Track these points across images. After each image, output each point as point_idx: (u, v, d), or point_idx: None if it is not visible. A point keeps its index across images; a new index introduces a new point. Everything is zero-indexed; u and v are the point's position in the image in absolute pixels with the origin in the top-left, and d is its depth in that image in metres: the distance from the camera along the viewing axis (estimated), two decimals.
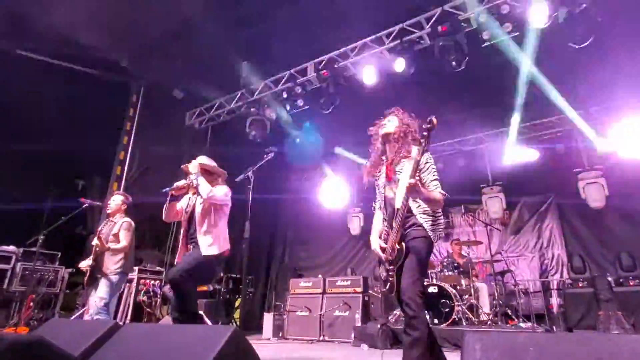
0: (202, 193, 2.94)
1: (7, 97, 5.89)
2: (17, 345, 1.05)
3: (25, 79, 6.17)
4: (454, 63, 4.45)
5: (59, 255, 5.84)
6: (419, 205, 2.32)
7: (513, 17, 4.14)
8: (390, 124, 2.51)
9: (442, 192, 2.32)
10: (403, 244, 2.28)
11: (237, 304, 7.96)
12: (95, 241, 3.97)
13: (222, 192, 3.10)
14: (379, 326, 4.92)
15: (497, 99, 6.46)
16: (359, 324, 5.57)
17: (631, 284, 5.50)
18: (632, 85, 5.63)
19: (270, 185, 9.86)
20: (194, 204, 3.15)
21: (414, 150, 2.34)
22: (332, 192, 8.45)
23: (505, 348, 1.05)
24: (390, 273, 2.34)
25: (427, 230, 2.28)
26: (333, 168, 8.28)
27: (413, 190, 2.13)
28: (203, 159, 3.31)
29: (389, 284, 2.34)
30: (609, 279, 5.54)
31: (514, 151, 6.97)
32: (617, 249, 6.01)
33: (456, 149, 7.88)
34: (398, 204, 2.27)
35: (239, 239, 8.44)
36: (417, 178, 2.17)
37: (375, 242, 2.46)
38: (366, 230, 8.55)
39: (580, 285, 5.80)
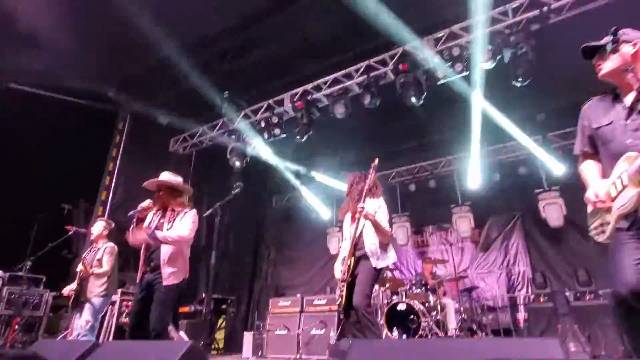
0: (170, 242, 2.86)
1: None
2: (17, 359, 1.36)
3: (17, 110, 6.49)
4: (413, 98, 4.90)
5: (44, 279, 6.03)
6: (373, 243, 3.03)
7: (463, 58, 4.64)
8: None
9: (390, 229, 3.10)
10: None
11: (220, 323, 8.17)
12: (79, 267, 4.24)
13: (188, 227, 3.00)
14: (350, 342, 5.21)
15: (463, 125, 6.97)
16: (333, 341, 5.84)
17: (587, 298, 5.91)
18: None
19: (254, 206, 10.23)
20: (160, 224, 3.02)
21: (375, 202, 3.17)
22: (311, 213, 8.80)
23: (373, 353, 1.40)
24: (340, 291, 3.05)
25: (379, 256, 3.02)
26: (312, 190, 8.66)
27: (366, 215, 2.94)
28: (166, 175, 3.28)
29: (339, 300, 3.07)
30: (567, 293, 5.95)
31: (479, 173, 7.44)
32: (576, 265, 6.44)
33: (428, 171, 8.34)
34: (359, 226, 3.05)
35: (222, 259, 8.72)
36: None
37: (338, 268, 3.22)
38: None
39: (541, 300, 6.19)
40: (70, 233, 4.49)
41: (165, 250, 2.88)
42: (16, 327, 5.04)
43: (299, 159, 7.56)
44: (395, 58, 5.25)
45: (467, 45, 4.75)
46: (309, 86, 6.09)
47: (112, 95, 7.78)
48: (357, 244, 3.05)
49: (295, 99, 6.08)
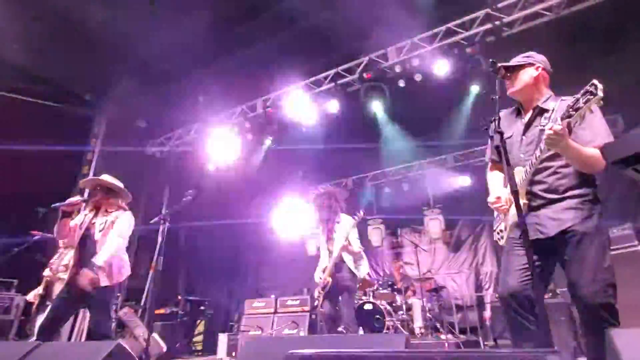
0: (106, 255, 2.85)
1: None
2: None
3: None
4: (377, 105, 5.08)
5: (16, 283, 6.06)
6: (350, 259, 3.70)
7: (421, 69, 4.84)
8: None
9: (360, 246, 3.78)
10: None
11: (200, 325, 8.27)
12: (46, 272, 4.32)
13: (124, 228, 3.06)
14: None
15: (435, 131, 7.20)
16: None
17: (545, 296, 6.16)
18: None
19: (233, 210, 10.33)
20: (91, 224, 3.05)
21: (344, 218, 3.81)
22: (286, 218, 8.96)
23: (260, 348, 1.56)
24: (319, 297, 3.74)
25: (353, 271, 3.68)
26: (289, 195, 8.82)
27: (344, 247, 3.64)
28: (105, 176, 3.33)
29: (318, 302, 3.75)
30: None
31: (450, 177, 7.68)
32: None
33: (402, 174, 8.55)
34: (335, 254, 3.65)
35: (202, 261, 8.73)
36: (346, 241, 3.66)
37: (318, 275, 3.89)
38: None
39: None
40: (36, 238, 4.54)
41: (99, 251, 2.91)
42: None
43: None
44: (361, 67, 5.42)
45: (427, 55, 4.94)
46: (280, 92, 6.23)
47: (88, 98, 7.84)
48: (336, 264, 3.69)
49: (267, 105, 6.21)
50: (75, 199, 3.04)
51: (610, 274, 1.70)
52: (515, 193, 1.70)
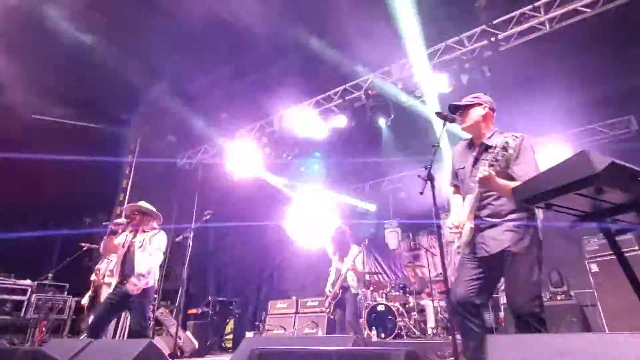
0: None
1: (24, 153, 7.08)
2: (26, 353, 2.03)
3: (40, 136, 7.38)
4: (381, 119, 5.44)
5: (68, 286, 6.87)
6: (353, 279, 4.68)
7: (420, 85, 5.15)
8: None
9: (363, 269, 4.90)
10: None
11: (230, 324, 8.90)
12: (93, 276, 5.00)
13: (162, 245, 3.63)
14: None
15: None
16: None
17: (558, 298, 6.27)
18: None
19: (262, 214, 10.95)
20: (131, 242, 3.56)
21: (353, 247, 4.91)
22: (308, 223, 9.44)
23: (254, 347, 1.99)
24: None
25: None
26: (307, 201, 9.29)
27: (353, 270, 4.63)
28: (143, 203, 3.86)
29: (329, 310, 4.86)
30: None
31: None
32: (550, 267, 6.78)
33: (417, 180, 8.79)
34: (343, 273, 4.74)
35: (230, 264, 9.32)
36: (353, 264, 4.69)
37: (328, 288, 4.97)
38: None
39: (558, 298, 6.56)
40: (84, 249, 5.23)
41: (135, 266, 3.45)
42: (43, 329, 5.86)
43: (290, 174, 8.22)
44: (367, 84, 5.78)
45: (427, 71, 5.24)
46: (295, 107, 6.69)
47: (124, 117, 8.65)
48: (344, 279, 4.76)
49: (282, 120, 6.69)
50: (120, 220, 3.68)
51: (537, 287, 2.01)
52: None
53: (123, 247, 3.57)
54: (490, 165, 1.99)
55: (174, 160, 8.79)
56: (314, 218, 9.25)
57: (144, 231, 3.70)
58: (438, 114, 2.32)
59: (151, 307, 3.84)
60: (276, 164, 7.71)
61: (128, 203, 8.12)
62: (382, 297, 6.38)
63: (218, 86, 7.55)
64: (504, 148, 1.96)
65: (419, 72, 5.27)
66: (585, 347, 1.15)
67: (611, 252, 4.62)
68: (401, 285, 6.42)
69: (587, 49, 5.99)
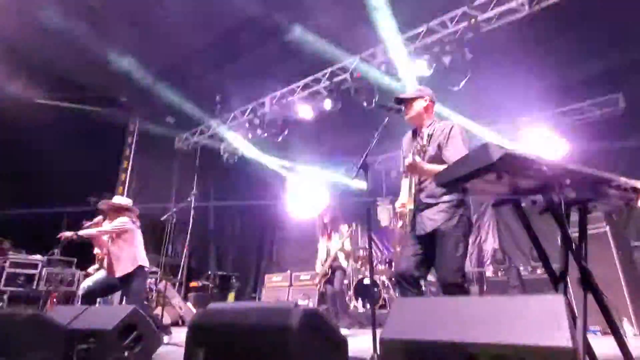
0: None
1: (30, 136, 7.41)
2: (27, 318, 2.37)
3: (44, 120, 7.68)
4: (365, 102, 5.62)
5: (75, 261, 7.33)
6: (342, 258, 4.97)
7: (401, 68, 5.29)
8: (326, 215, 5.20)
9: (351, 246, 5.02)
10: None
11: (230, 296, 9.39)
12: (96, 250, 5.39)
13: (111, 225, 3.93)
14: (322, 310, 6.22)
15: None
16: None
17: (538, 272, 6.56)
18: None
19: (259, 192, 11.30)
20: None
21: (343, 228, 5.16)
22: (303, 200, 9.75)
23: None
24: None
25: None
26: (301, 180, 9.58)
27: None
28: (117, 198, 4.24)
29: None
30: (520, 268, 6.64)
31: None
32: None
33: None
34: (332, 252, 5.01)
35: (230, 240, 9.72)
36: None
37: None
38: None
39: (498, 274, 6.90)
40: (86, 225, 5.58)
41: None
42: (54, 300, 6.34)
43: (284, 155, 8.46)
44: (353, 66, 5.93)
45: (408, 54, 5.37)
46: (284, 90, 6.86)
47: (124, 100, 8.88)
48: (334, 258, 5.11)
49: (274, 102, 6.88)
50: (96, 219, 4.19)
51: (461, 261, 2.28)
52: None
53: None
54: (416, 153, 2.22)
55: (172, 142, 9.05)
56: (308, 197, 9.55)
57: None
58: (382, 106, 2.53)
59: (147, 282, 4.25)
60: (270, 144, 7.94)
61: (129, 183, 8.50)
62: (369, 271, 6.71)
63: (211, 69, 7.72)
64: (430, 136, 2.20)
65: (400, 55, 5.39)
66: (463, 308, 1.42)
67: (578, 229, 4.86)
68: (387, 260, 6.75)
69: (573, 27, 6.02)
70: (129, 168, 8.38)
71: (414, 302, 1.65)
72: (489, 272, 7.69)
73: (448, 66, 5.24)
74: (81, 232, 3.95)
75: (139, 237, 4.09)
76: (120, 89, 8.57)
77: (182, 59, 7.89)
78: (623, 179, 1.98)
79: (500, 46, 5.36)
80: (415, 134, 2.64)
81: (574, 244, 1.94)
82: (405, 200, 2.55)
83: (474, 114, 6.88)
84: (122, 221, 3.93)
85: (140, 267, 3.84)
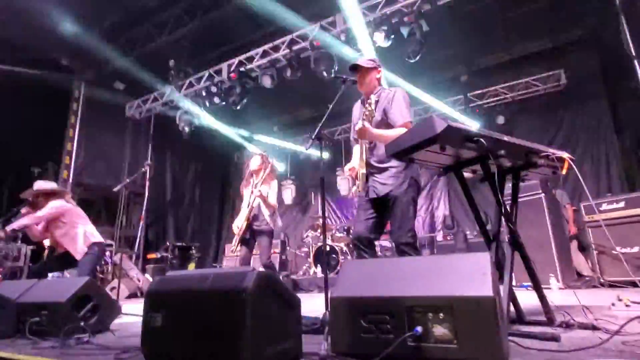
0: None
1: None
2: None
3: None
4: (324, 72, 5.61)
5: (21, 235, 6.95)
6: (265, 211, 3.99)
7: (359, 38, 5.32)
8: (254, 162, 4.12)
9: (276, 203, 4.06)
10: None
11: (190, 267, 9.35)
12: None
13: (44, 211, 3.68)
14: (282, 277, 6.40)
15: None
16: None
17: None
18: None
19: (217, 162, 11.11)
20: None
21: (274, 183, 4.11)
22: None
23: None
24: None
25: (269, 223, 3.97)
26: (262, 146, 9.49)
27: (260, 195, 3.93)
28: (39, 184, 3.91)
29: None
30: (467, 233, 7.15)
31: None
32: (481, 209, 7.57)
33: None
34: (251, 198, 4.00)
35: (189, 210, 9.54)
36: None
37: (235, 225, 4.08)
38: (297, 201, 9.97)
39: (448, 238, 7.40)
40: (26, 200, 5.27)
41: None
42: (0, 276, 6.04)
43: (241, 123, 8.31)
44: (313, 34, 5.85)
45: (370, 23, 5.38)
46: (242, 57, 6.67)
47: (66, 63, 8.23)
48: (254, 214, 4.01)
49: (231, 70, 6.69)
50: (24, 210, 3.85)
51: (411, 223, 2.46)
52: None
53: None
54: (364, 119, 2.33)
55: (123, 110, 8.58)
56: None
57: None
58: (337, 77, 2.59)
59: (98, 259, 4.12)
60: (227, 112, 7.77)
61: (76, 152, 8.03)
62: (328, 239, 6.96)
63: (163, 32, 7.30)
64: (376, 102, 2.31)
65: (360, 25, 5.39)
66: (404, 267, 1.56)
67: (524, 195, 5.24)
68: (345, 227, 6.99)
69: (521, 4, 6.28)
70: (75, 137, 7.89)
71: (361, 263, 1.78)
72: (439, 237, 8.20)
73: (406, 37, 5.31)
74: (12, 226, 3.67)
75: (81, 214, 3.90)
76: (61, 51, 7.92)
77: (130, 19, 7.38)
78: (551, 150, 2.20)
79: (452, 20, 5.50)
80: (363, 102, 2.73)
81: (506, 208, 2.15)
82: (356, 164, 2.66)
83: (427, 86, 7.08)
84: (54, 205, 3.69)
85: (96, 244, 3.74)
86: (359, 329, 1.42)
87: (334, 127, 9.40)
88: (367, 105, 2.35)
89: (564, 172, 2.16)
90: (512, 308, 2.13)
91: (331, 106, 2.50)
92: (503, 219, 2.16)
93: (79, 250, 3.68)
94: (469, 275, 1.35)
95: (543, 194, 4.79)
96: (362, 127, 2.33)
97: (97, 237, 3.82)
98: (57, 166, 8.32)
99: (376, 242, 2.72)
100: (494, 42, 6.89)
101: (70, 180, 7.66)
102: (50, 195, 3.79)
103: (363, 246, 2.56)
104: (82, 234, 3.72)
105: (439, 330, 1.31)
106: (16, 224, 3.67)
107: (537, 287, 2.09)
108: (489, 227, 2.60)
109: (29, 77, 7.62)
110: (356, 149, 2.81)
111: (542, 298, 2.08)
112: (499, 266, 2.20)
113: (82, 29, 7.41)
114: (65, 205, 3.76)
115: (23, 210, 3.81)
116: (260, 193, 3.91)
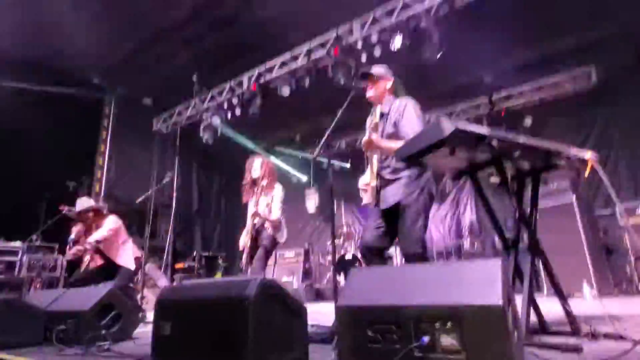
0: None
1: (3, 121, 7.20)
2: (6, 302, 2.41)
3: (12, 104, 7.46)
4: (342, 79, 5.63)
5: (57, 246, 7.29)
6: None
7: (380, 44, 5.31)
8: (255, 168, 3.89)
9: (279, 216, 3.73)
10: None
11: (217, 276, 9.51)
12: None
13: (105, 230, 4.00)
14: (304, 285, 6.40)
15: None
16: (296, 286, 7.03)
17: None
18: None
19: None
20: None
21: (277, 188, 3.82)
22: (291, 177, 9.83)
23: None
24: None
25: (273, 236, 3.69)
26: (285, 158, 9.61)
27: (257, 214, 3.66)
28: (82, 203, 4.21)
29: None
30: (495, 238, 6.89)
31: None
32: (507, 214, 7.30)
33: None
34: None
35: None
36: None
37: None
38: (320, 210, 9.95)
39: (474, 245, 7.16)
40: (64, 212, 5.53)
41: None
42: (37, 286, 6.35)
43: (262, 133, 8.42)
44: (330, 42, 5.88)
45: (387, 29, 5.36)
46: (262, 68, 6.79)
47: (97, 81, 8.65)
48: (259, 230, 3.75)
49: (251, 81, 6.82)
50: (77, 228, 4.19)
51: (421, 232, 2.38)
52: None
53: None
54: (370, 131, 2.29)
55: (150, 123, 8.91)
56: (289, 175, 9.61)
57: (97, 227, 4.05)
58: (352, 87, 2.58)
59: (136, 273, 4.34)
60: (249, 123, 7.90)
61: (107, 167, 8.38)
62: (351, 247, 6.91)
63: (185, 47, 7.54)
64: (386, 114, 2.27)
65: (377, 30, 5.38)
66: (410, 275, 1.52)
67: (550, 200, 5.03)
68: None
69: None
70: (107, 151, 8.25)
71: (368, 272, 1.75)
72: (466, 244, 7.96)
73: (423, 42, 5.25)
74: (92, 239, 3.93)
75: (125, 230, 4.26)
76: (92, 70, 8.34)
77: (156, 36, 7.67)
78: (573, 150, 2.08)
79: (476, 20, 5.38)
80: (374, 114, 2.70)
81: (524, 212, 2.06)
82: (368, 180, 2.63)
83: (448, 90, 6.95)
84: (114, 221, 4.08)
85: (137, 258, 3.98)
86: (365, 339, 1.38)
87: (356, 134, 9.37)
88: (373, 117, 2.31)
89: (586, 174, 2.05)
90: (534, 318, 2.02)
91: (339, 114, 2.49)
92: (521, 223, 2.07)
93: (128, 263, 3.95)
94: (477, 283, 1.29)
95: (574, 198, 4.57)
96: (368, 139, 2.29)
97: (137, 251, 4.04)
98: (91, 179, 8.72)
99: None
100: (518, 41, 6.67)
101: (103, 193, 7.98)
102: (97, 211, 4.12)
103: (371, 255, 2.52)
104: (130, 248, 4.03)
105: (447, 341, 1.26)
106: (96, 236, 3.91)
107: (561, 295, 1.98)
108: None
109: (62, 95, 8.06)
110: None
111: (565, 307, 1.96)
112: (519, 274, 2.11)
113: (111, 47, 7.80)
114: (119, 222, 4.10)
115: (77, 228, 4.09)
116: (260, 216, 3.64)
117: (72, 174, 9.01)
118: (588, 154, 2.03)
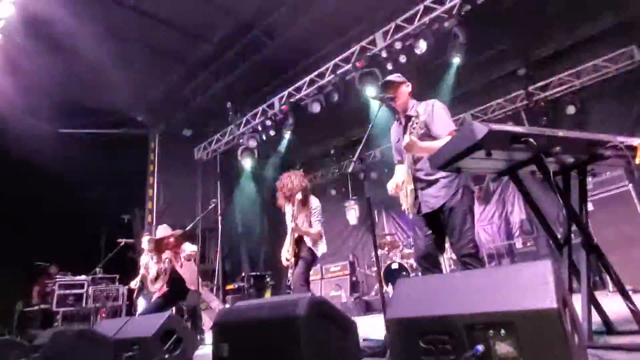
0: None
1: (58, 165, 7.84)
2: (77, 333, 2.62)
3: (69, 149, 8.13)
4: (368, 92, 5.68)
5: (118, 277, 7.77)
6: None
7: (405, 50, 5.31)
8: (287, 186, 3.77)
9: (319, 229, 3.68)
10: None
11: (267, 294, 9.68)
12: (142, 270, 5.66)
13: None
14: (353, 299, 6.36)
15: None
16: (345, 300, 7.01)
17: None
18: None
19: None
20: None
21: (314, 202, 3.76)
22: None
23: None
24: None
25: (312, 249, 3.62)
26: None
27: (297, 229, 3.57)
28: (160, 231, 4.40)
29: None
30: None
31: None
32: (559, 210, 6.90)
33: None
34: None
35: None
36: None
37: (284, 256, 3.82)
38: (361, 220, 9.91)
39: (527, 244, 6.82)
40: (121, 244, 5.91)
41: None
42: (103, 315, 6.78)
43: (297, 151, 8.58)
44: (355, 55, 5.97)
45: (411, 34, 5.36)
46: (291, 88, 6.98)
47: (141, 119, 9.25)
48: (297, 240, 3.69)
49: (282, 102, 7.02)
50: (166, 256, 4.27)
51: (471, 233, 2.33)
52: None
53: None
54: (410, 133, 2.29)
55: (191, 153, 9.36)
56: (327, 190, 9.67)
57: (176, 253, 4.24)
58: (379, 98, 2.62)
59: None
60: (284, 142, 8.09)
61: (157, 198, 8.87)
62: (397, 256, 6.80)
63: (220, 78, 7.92)
64: (417, 116, 2.27)
65: (399, 38, 5.40)
66: (459, 283, 1.51)
67: (605, 190, 4.77)
68: (412, 243, 6.78)
69: None
70: (155, 184, 8.74)
71: (415, 281, 1.74)
72: (518, 243, 7.59)
73: (449, 42, 5.20)
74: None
75: None
76: (136, 110, 8.93)
77: (190, 72, 8.13)
78: (619, 138, 1.99)
79: (498, 14, 5.27)
80: (399, 120, 2.72)
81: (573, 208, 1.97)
82: (399, 181, 2.63)
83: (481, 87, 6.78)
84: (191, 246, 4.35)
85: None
86: (418, 351, 1.38)
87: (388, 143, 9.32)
88: (413, 119, 2.32)
89: (637, 161, 1.94)
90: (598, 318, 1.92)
91: (370, 127, 2.53)
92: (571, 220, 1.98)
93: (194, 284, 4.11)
94: (529, 286, 1.27)
95: (631, 185, 4.28)
96: (410, 141, 2.29)
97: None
98: (142, 211, 9.25)
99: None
100: (550, 27, 6.43)
101: (154, 222, 8.42)
102: (179, 238, 4.36)
103: (427, 264, 2.50)
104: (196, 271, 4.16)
105: (503, 348, 1.23)
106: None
107: (622, 291, 1.87)
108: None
109: (112, 136, 8.68)
110: (398, 168, 2.79)
111: (628, 304, 1.84)
112: (576, 272, 2.02)
113: (150, 85, 8.36)
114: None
115: (167, 256, 4.18)
116: (300, 230, 3.57)
117: (125, 208, 9.64)
118: (637, 141, 1.93)
